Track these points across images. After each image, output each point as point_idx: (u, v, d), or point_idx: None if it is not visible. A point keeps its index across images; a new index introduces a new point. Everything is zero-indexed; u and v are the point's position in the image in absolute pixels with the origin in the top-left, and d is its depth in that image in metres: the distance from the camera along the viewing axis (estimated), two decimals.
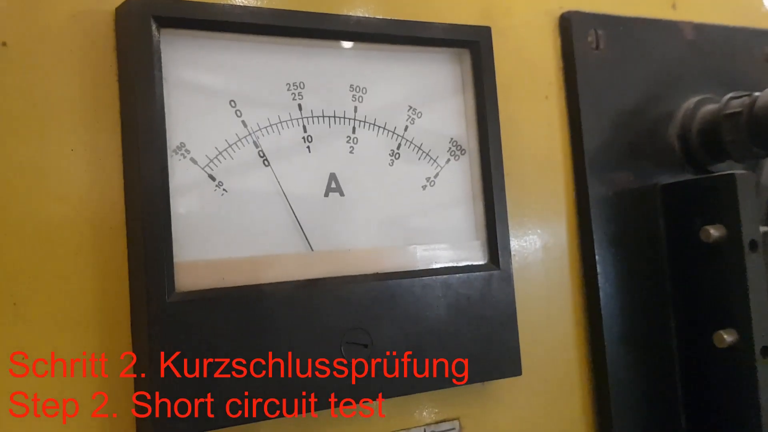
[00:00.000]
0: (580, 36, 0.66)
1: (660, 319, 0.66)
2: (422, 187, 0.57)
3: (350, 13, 0.57)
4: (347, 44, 0.55)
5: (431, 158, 0.58)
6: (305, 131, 0.53)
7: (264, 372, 0.48)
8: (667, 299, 0.66)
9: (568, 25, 0.66)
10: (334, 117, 0.54)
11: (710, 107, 0.69)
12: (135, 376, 0.47)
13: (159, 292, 0.45)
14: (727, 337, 0.61)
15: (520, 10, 0.65)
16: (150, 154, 0.46)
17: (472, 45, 0.59)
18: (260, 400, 0.48)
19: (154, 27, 0.47)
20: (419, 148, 0.57)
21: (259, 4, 0.54)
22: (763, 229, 0.62)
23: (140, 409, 0.47)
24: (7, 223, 0.45)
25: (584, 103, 0.66)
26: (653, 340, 0.65)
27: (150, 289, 0.45)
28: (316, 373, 0.49)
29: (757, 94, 0.66)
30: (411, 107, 0.57)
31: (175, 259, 0.47)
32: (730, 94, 0.68)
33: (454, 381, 0.55)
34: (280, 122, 0.52)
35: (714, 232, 0.62)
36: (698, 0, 0.75)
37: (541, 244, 0.64)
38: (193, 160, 0.49)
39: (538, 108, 0.65)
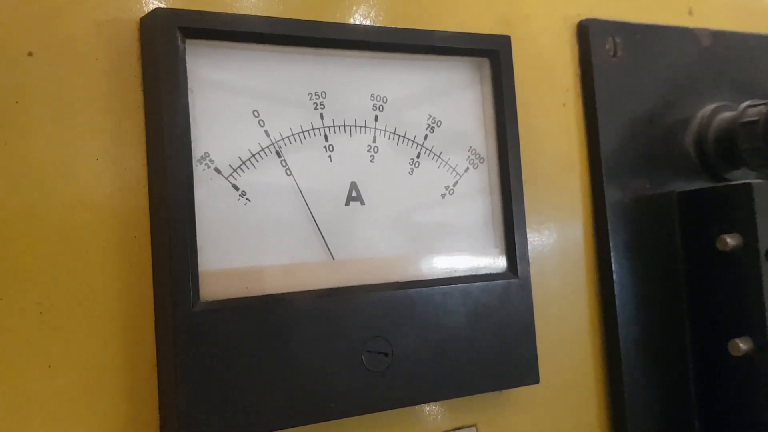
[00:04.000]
0: (598, 43, 0.66)
1: (675, 326, 0.66)
2: (441, 195, 0.57)
3: (371, 23, 0.57)
4: (368, 54, 0.55)
5: (450, 167, 0.58)
6: (327, 140, 0.54)
7: (286, 380, 0.48)
8: (683, 307, 0.66)
9: (586, 33, 0.66)
10: (355, 126, 0.55)
11: (727, 115, 0.70)
12: (159, 384, 0.48)
13: (184, 301, 0.46)
14: (743, 345, 0.62)
15: (538, 18, 0.65)
16: (176, 164, 0.47)
17: (492, 54, 0.59)
18: (283, 408, 0.48)
19: (179, 38, 0.48)
20: (438, 157, 0.57)
21: (281, 15, 0.54)
22: None
23: (164, 417, 0.47)
24: (34, 231, 0.46)
25: (602, 110, 0.66)
26: (669, 347, 0.66)
27: (175, 299, 0.46)
28: (338, 381, 0.50)
29: None
30: (431, 116, 0.58)
31: (200, 268, 0.47)
32: (747, 102, 0.68)
33: (472, 388, 0.55)
34: (302, 132, 0.53)
35: (731, 241, 0.62)
36: (715, 7, 0.75)
37: (558, 250, 0.64)
38: (217, 170, 0.49)
39: (556, 115, 0.65)
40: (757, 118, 0.66)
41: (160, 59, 0.47)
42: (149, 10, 0.49)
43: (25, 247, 0.46)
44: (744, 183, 0.63)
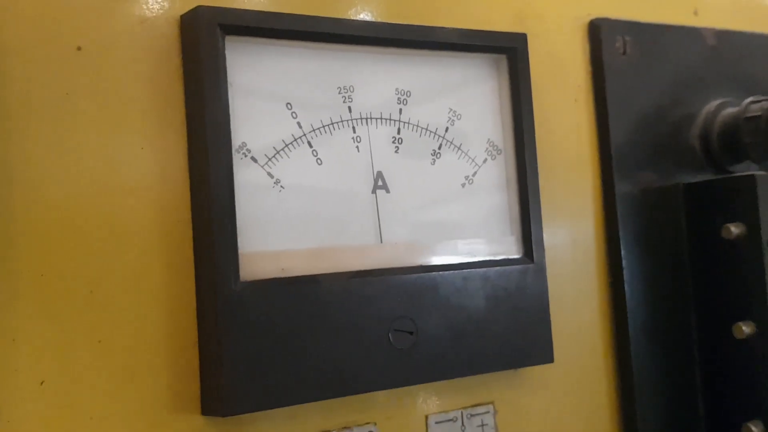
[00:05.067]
0: (608, 42, 0.70)
1: (682, 311, 0.69)
2: (461, 185, 0.61)
3: (396, 22, 0.60)
4: (393, 50, 0.58)
5: (470, 158, 0.61)
6: (354, 132, 0.57)
7: (320, 357, 0.52)
8: (689, 293, 0.70)
9: (597, 32, 0.69)
10: (381, 118, 0.58)
11: (730, 110, 0.73)
12: (200, 360, 0.51)
13: (226, 281, 0.49)
14: (746, 328, 0.65)
15: (551, 16, 0.69)
16: (217, 154, 0.50)
17: (510, 51, 0.62)
18: (316, 382, 0.51)
19: (220, 34, 0.51)
20: (459, 148, 0.61)
21: (313, 14, 0.57)
22: None
23: (205, 391, 0.50)
24: (84, 217, 0.49)
25: (612, 106, 0.69)
26: (675, 330, 0.69)
27: (218, 279, 0.49)
28: (367, 357, 0.53)
29: None
30: (451, 109, 0.61)
31: (240, 251, 0.50)
32: (750, 98, 0.71)
33: (491, 367, 0.58)
34: (332, 123, 0.56)
35: (734, 229, 0.65)
36: (719, 7, 0.78)
37: (571, 239, 0.67)
38: (253, 159, 0.52)
39: (568, 110, 0.69)
40: (759, 113, 0.69)
41: (202, 55, 0.50)
42: (190, 8, 0.52)
43: (75, 231, 0.49)
44: (747, 175, 0.66)
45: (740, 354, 0.66)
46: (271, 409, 0.51)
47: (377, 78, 0.58)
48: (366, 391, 0.54)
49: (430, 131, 0.60)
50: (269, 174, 0.53)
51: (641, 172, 0.69)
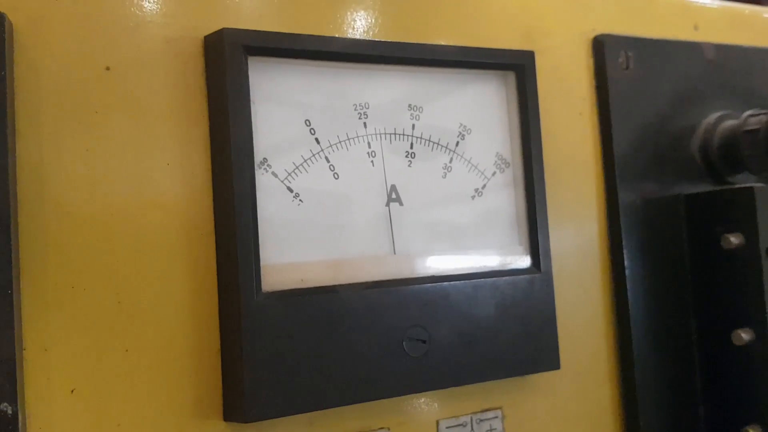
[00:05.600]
0: (612, 57, 0.72)
1: (683, 318, 0.72)
2: (471, 197, 0.63)
3: (410, 41, 0.62)
4: (406, 68, 0.61)
5: (479, 171, 0.63)
6: (369, 147, 0.59)
7: (338, 364, 0.54)
8: (690, 300, 0.72)
9: (601, 47, 0.72)
10: (395, 134, 0.60)
11: (730, 123, 0.75)
12: (222, 368, 0.53)
13: (249, 291, 0.51)
14: (744, 335, 0.67)
15: (557, 33, 0.71)
16: (241, 169, 0.52)
17: (518, 68, 0.64)
18: (334, 389, 0.53)
19: (243, 55, 0.53)
20: (469, 162, 0.63)
21: (331, 34, 0.59)
22: None
23: (227, 398, 0.53)
24: (113, 229, 0.51)
25: (615, 119, 0.71)
26: (676, 337, 0.71)
27: (241, 289, 0.51)
28: (382, 365, 0.55)
29: None
30: (462, 124, 0.63)
31: (261, 263, 0.52)
32: (749, 112, 0.73)
33: (500, 373, 0.61)
34: (348, 139, 0.58)
35: (733, 239, 0.68)
36: (718, 22, 0.81)
37: (576, 248, 0.69)
38: (274, 174, 0.55)
39: (574, 123, 0.71)
40: (758, 126, 0.71)
41: (227, 75, 0.52)
42: (213, 30, 0.54)
43: (104, 244, 0.51)
44: (746, 186, 0.69)
45: (739, 360, 0.68)
46: (291, 415, 0.53)
47: (391, 94, 0.60)
48: (381, 398, 0.56)
49: (442, 145, 0.62)
50: (289, 188, 0.55)
51: (644, 183, 0.72)
